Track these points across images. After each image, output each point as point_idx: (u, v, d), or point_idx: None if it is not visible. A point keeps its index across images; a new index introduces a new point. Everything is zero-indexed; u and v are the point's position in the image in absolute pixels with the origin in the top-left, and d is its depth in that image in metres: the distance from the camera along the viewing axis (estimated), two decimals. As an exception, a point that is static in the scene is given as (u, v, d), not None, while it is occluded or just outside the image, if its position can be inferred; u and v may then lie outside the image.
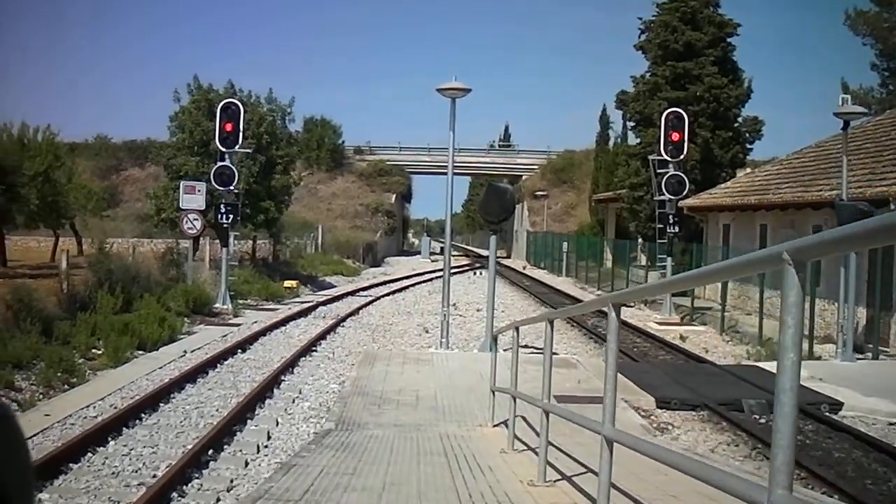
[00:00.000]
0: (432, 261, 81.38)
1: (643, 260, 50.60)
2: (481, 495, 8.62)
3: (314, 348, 24.86)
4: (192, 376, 19.39)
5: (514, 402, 11.39)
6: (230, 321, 31.14)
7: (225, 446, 13.79)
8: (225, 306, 33.72)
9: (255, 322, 30.39)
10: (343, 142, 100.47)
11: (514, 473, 9.78)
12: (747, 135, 50.90)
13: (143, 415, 15.62)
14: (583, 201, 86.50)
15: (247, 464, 12.90)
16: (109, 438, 13.85)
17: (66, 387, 18.37)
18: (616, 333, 6.29)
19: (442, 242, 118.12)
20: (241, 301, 36.26)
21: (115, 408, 16.14)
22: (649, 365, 23.62)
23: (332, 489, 8.82)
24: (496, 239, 23.79)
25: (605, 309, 6.60)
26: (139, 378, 19.37)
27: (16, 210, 41.69)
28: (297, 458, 10.90)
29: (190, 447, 13.20)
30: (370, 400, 16.32)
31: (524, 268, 73.04)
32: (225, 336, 26.71)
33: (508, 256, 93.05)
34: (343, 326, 30.55)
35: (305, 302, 38.35)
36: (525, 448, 11.57)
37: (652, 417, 16.89)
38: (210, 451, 13.18)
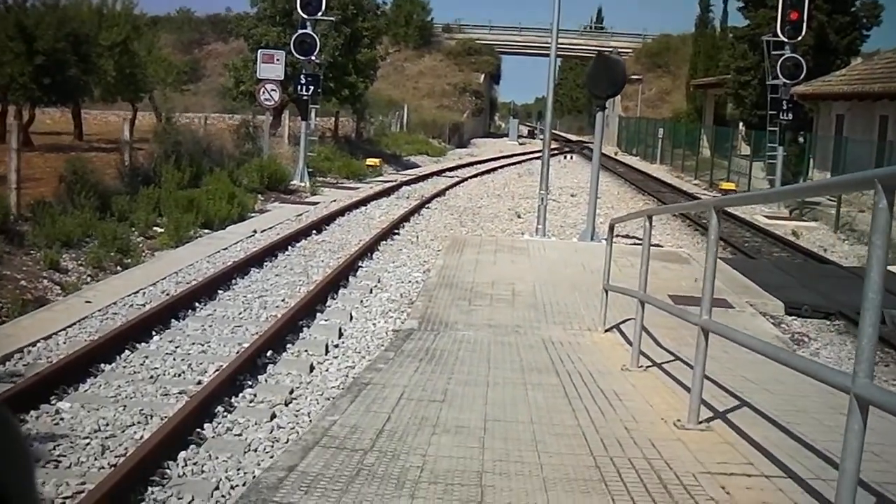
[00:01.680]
0: (520, 143, 79.57)
1: (744, 149, 47.84)
2: (619, 444, 6.38)
3: (396, 231, 22.68)
4: (258, 259, 17.25)
5: (643, 308, 9.11)
6: (307, 199, 29.09)
7: (288, 345, 11.65)
8: (302, 183, 31.71)
9: (334, 201, 28.29)
10: (432, 19, 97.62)
11: (650, 406, 7.54)
12: (864, 20, 47.20)
13: (197, 304, 13.51)
14: (678, 87, 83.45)
15: (312, 369, 10.75)
16: (154, 333, 11.77)
17: (118, 268, 16.45)
18: (887, 225, 3.89)
19: (529, 125, 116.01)
20: (320, 179, 34.32)
21: (168, 294, 14.11)
22: (769, 263, 21.13)
23: (416, 428, 6.58)
24: (603, 117, 21.25)
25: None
26: (200, 260, 17.30)
27: (92, 82, 40.17)
28: (370, 373, 8.66)
29: (246, 346, 11.11)
30: (459, 293, 14.07)
31: (616, 154, 70.30)
32: (300, 215, 24.61)
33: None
34: (428, 208, 28.35)
35: (388, 181, 36.22)
36: (650, 364, 9.35)
37: (783, 326, 14.49)
38: (269, 353, 11.06)
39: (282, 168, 30.93)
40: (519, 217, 27.47)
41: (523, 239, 21.58)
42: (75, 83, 37.40)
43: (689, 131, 59.10)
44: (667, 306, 8.62)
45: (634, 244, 22.87)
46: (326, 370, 10.79)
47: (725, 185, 39.80)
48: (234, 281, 15.35)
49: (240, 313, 13.27)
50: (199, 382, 9.84)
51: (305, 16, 32.45)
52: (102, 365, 10.23)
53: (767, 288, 16.24)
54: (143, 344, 11.26)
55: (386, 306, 14.32)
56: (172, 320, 12.47)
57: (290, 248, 19.13)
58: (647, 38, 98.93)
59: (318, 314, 13.49)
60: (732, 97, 49.32)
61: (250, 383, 9.98)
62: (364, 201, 28.20)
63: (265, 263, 17.18)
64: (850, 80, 36.03)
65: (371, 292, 15.35)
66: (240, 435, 8.44)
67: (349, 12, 43.80)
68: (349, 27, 43.86)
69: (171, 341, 11.49)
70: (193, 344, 11.42)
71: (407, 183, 35.62)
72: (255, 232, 21.06)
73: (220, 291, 14.50)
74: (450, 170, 44.82)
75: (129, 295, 13.99)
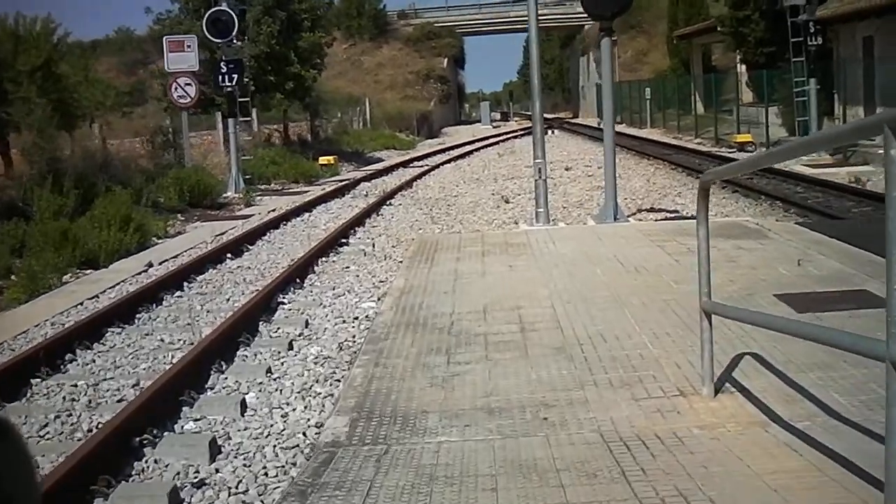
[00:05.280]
0: (494, 127, 74.41)
1: (749, 95, 42.15)
2: None
3: (345, 240, 16.76)
4: (126, 311, 11.25)
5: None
6: (239, 212, 23.21)
7: (96, 501, 5.81)
8: (236, 194, 25.89)
9: (272, 210, 22.41)
10: (384, 6, 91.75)
11: None
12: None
13: (-20, 412, 7.66)
14: (655, 46, 78.35)
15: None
16: None
17: (-78, 349, 10.66)
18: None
19: (501, 110, 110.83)
20: (262, 186, 28.81)
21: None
22: (866, 224, 15.34)
23: None
24: (609, 45, 15.43)
25: None
26: (46, 320, 11.40)
27: (16, 113, 34.63)
28: None
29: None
30: (429, 339, 8.15)
31: (599, 124, 64.62)
32: (221, 234, 18.68)
33: (576, 116, 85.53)
34: (390, 205, 22.51)
35: (344, 179, 30.44)
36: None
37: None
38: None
39: (207, 179, 25.02)
40: (507, 202, 21.82)
41: (520, 230, 15.59)
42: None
43: (681, 86, 53.52)
44: None
45: (665, 219, 17.22)
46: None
47: (741, 138, 34.08)
48: (73, 353, 9.46)
49: (45, 424, 7.39)
50: None
51: (222, -8, 26.87)
52: None
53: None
54: None
55: (311, 373, 8.41)
56: None
57: (187, 283, 13.19)
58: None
59: (186, 409, 7.60)
60: (731, 37, 43.24)
61: None
62: (309, 206, 22.36)
63: (138, 315, 11.27)
64: (876, -5, 30.21)
65: (290, 348, 9.39)
66: None
67: (282, -6, 38.46)
68: (284, 11, 38.39)
69: None
70: None
71: (367, 179, 29.96)
72: (149, 265, 15.19)
73: (33, 380, 8.59)
74: (418, 159, 39.38)
75: None
